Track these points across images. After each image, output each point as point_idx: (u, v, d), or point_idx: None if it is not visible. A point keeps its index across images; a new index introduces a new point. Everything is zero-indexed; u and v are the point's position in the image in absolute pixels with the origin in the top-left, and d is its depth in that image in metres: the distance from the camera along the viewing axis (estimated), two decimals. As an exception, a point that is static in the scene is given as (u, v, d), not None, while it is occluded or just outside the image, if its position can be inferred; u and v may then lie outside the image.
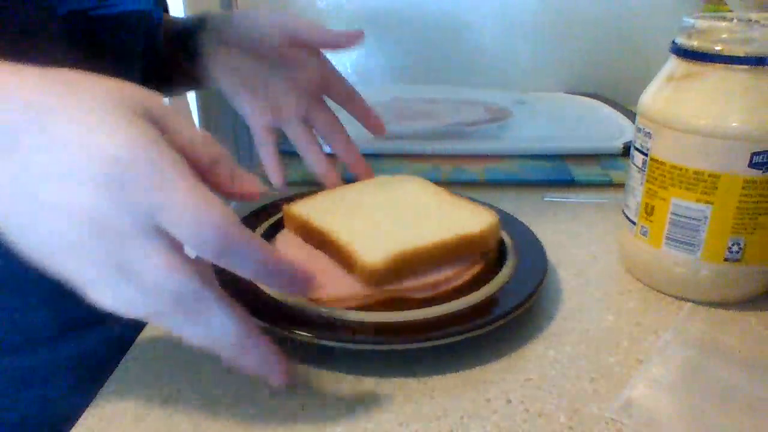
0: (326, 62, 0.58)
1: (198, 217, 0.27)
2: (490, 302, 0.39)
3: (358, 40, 0.55)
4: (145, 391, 0.35)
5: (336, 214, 0.45)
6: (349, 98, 0.59)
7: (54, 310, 0.47)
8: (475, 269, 0.42)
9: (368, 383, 0.36)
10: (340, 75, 0.59)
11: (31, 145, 0.26)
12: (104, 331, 0.49)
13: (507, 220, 0.48)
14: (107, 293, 0.27)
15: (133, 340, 0.40)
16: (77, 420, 0.33)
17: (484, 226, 0.42)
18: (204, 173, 0.31)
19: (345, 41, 0.55)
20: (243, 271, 0.29)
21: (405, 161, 0.68)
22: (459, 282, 0.41)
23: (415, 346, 0.36)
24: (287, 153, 0.71)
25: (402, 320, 0.38)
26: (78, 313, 0.48)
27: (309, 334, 0.36)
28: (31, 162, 0.26)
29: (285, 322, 0.37)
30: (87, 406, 0.34)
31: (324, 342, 0.36)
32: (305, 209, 0.45)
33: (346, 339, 0.36)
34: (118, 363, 0.38)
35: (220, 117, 0.99)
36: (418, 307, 0.38)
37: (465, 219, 0.44)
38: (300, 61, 0.57)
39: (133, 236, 0.27)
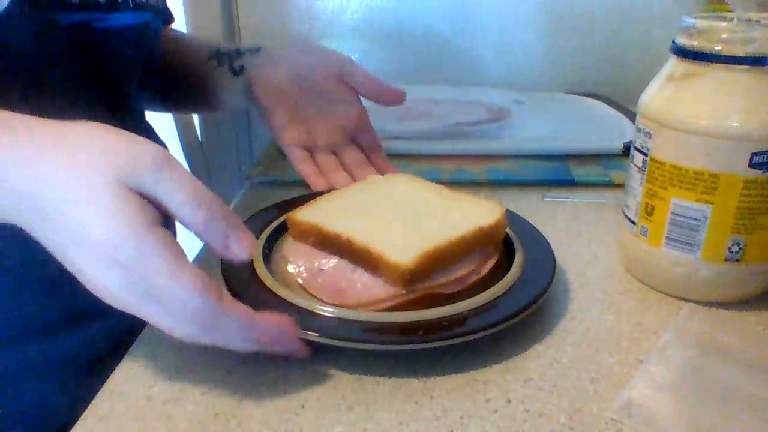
0: (364, 110, 0.61)
1: (182, 302, 0.30)
2: (501, 301, 0.39)
3: (401, 100, 0.59)
4: (145, 391, 0.35)
5: (347, 218, 0.44)
6: (374, 148, 0.62)
7: (46, 306, 0.47)
8: (493, 261, 0.44)
9: (368, 383, 0.36)
10: (371, 125, 0.62)
11: (53, 222, 0.31)
12: (96, 328, 0.49)
13: (511, 218, 0.49)
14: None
15: (128, 335, 0.40)
16: (72, 415, 0.33)
17: (497, 217, 0.44)
18: (197, 235, 0.33)
19: (391, 98, 0.59)
20: (233, 335, 0.33)
21: (405, 161, 0.68)
22: (482, 274, 0.43)
23: (423, 346, 0.37)
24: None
25: (409, 320, 0.38)
26: (69, 309, 0.48)
27: (315, 334, 0.36)
28: (59, 235, 0.31)
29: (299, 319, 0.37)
30: (81, 401, 0.34)
31: (330, 342, 0.36)
32: (313, 216, 0.44)
33: (354, 339, 0.36)
34: (114, 359, 0.38)
35: (220, 119, 0.99)
36: (445, 303, 0.39)
37: (476, 212, 0.44)
38: (342, 101, 0.59)
39: (136, 308, 0.31)
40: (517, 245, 0.45)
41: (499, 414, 0.33)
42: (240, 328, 0.33)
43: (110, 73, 0.53)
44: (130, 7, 0.52)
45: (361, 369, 0.37)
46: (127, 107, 0.57)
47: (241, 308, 0.33)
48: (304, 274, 0.42)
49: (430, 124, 0.77)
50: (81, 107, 0.48)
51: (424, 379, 0.36)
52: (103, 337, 0.50)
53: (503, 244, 0.46)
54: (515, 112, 0.80)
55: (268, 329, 0.34)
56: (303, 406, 0.34)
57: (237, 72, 0.61)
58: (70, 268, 0.32)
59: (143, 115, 0.62)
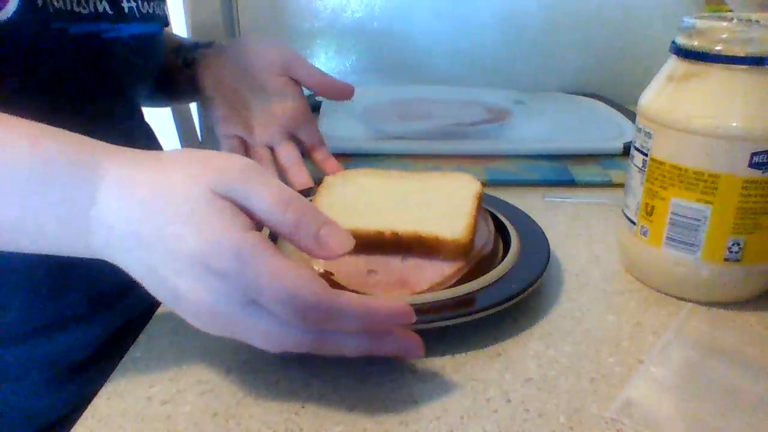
0: (304, 105, 0.61)
1: (288, 300, 0.30)
2: (498, 286, 0.41)
3: (348, 96, 0.59)
4: (145, 391, 0.35)
5: (367, 214, 0.44)
6: (316, 145, 0.62)
7: (27, 309, 0.47)
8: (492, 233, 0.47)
9: (368, 383, 0.36)
10: (313, 120, 0.62)
11: (149, 244, 0.31)
12: (77, 331, 0.49)
13: (511, 211, 0.51)
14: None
15: (112, 339, 0.40)
16: (55, 417, 0.33)
17: (478, 185, 0.48)
18: (290, 237, 0.33)
19: (337, 92, 0.59)
20: (345, 328, 0.32)
21: (405, 161, 0.68)
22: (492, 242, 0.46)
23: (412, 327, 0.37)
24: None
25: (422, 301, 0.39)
26: (53, 314, 0.48)
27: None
28: (155, 257, 0.31)
29: None
30: (62, 403, 0.34)
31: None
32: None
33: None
34: (94, 365, 0.38)
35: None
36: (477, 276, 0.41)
37: (458, 184, 0.48)
38: (283, 93, 0.59)
39: (240, 317, 0.31)
40: (512, 233, 0.47)
41: (499, 414, 0.33)
42: (356, 318, 0.31)
43: (117, 82, 0.53)
44: (137, 17, 0.53)
45: (362, 369, 0.37)
46: (130, 111, 0.58)
47: (353, 298, 0.31)
48: (355, 281, 0.41)
49: (430, 124, 0.77)
50: (87, 113, 0.48)
51: (424, 379, 0.36)
52: (85, 343, 0.50)
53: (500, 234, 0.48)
54: (515, 112, 0.80)
55: (385, 317, 0.32)
56: (303, 406, 0.34)
57: (188, 64, 0.63)
58: (161, 293, 0.32)
59: (143, 117, 0.62)
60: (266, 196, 0.32)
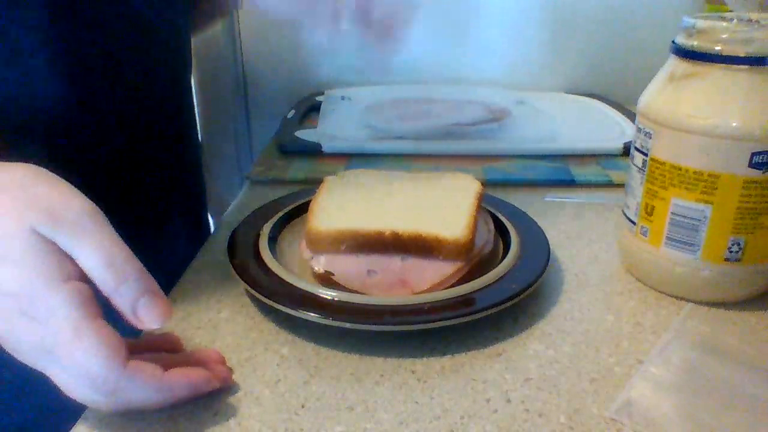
0: None
1: (79, 364, 0.29)
2: (498, 285, 0.41)
3: None
4: (145, 391, 0.35)
5: (367, 215, 0.44)
6: None
7: None
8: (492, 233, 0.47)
9: (368, 383, 0.36)
10: None
11: None
12: None
13: (510, 211, 0.51)
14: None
15: None
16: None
17: (478, 184, 0.48)
18: (110, 297, 0.31)
19: None
20: (139, 400, 0.31)
21: (405, 161, 0.68)
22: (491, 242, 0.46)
23: (405, 328, 0.38)
24: (288, 152, 0.71)
25: (403, 303, 0.39)
26: None
27: (317, 315, 0.38)
28: None
29: (294, 303, 0.38)
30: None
31: (333, 323, 0.37)
32: (335, 222, 0.43)
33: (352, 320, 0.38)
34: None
35: (220, 119, 0.99)
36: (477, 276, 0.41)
37: (458, 184, 0.49)
38: None
39: (37, 362, 0.30)
40: (512, 233, 0.47)
41: (499, 414, 0.33)
42: (148, 390, 0.31)
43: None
44: None
45: (362, 369, 0.37)
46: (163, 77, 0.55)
47: (149, 370, 0.31)
48: (355, 281, 0.41)
49: (430, 124, 0.77)
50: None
51: (424, 379, 0.36)
52: None
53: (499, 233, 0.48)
54: (515, 112, 0.80)
55: (182, 385, 0.32)
56: (303, 406, 0.34)
57: None
58: None
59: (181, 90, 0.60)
60: (91, 251, 0.30)
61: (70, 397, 0.31)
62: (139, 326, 0.32)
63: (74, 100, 0.46)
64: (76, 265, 0.30)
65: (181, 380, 0.33)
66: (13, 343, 0.30)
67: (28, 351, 0.30)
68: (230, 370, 0.36)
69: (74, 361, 0.29)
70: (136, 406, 0.32)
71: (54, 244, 0.30)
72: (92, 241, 0.30)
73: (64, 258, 0.30)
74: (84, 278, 0.31)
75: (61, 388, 0.31)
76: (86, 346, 0.29)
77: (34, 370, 0.31)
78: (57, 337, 0.29)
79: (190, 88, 0.63)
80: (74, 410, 0.34)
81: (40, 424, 0.49)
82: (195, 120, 0.66)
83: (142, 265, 0.32)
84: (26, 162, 0.33)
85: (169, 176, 0.58)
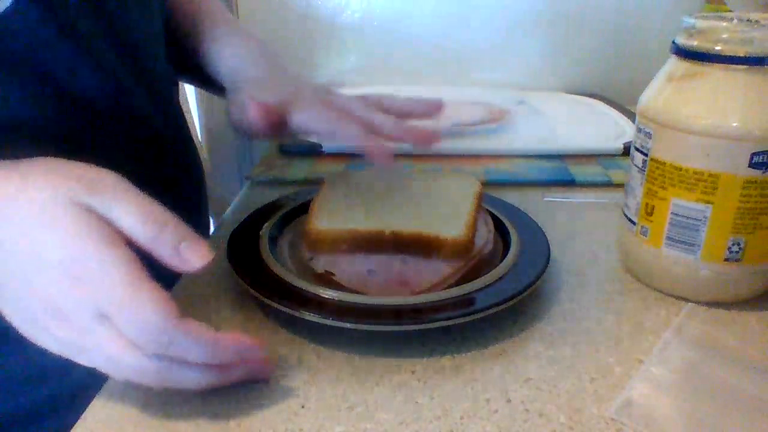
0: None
1: (136, 317, 0.30)
2: (497, 286, 0.41)
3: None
4: (145, 391, 0.35)
5: (367, 215, 0.44)
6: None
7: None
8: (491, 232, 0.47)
9: (368, 383, 0.36)
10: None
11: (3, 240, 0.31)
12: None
13: (510, 211, 0.51)
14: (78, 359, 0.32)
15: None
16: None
17: (479, 184, 0.49)
18: (151, 250, 0.32)
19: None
20: (191, 358, 0.31)
21: (405, 161, 0.68)
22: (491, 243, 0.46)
23: (405, 328, 0.38)
24: (288, 153, 0.71)
25: (403, 303, 0.39)
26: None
27: (317, 315, 0.37)
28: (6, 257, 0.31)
29: (294, 303, 0.38)
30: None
31: (331, 322, 0.37)
32: (335, 222, 0.44)
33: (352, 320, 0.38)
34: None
35: (220, 119, 0.99)
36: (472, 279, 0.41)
37: (458, 184, 0.49)
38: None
39: (86, 328, 0.31)
40: (512, 233, 0.47)
41: (499, 414, 0.33)
42: (201, 348, 0.31)
43: (129, 40, 0.50)
44: None
45: (362, 369, 0.37)
46: (156, 84, 0.54)
47: (203, 328, 0.31)
48: (355, 281, 0.41)
49: (430, 124, 0.76)
50: (112, 83, 0.46)
51: (424, 379, 0.36)
52: None
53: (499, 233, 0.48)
54: (515, 112, 0.80)
55: (231, 348, 0.33)
56: (303, 406, 0.34)
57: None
58: (8, 307, 0.32)
59: (172, 98, 0.59)
60: (128, 210, 0.31)
61: (115, 373, 0.31)
62: (184, 268, 0.32)
63: (69, 102, 0.46)
64: (119, 234, 0.31)
65: (233, 342, 0.33)
66: (58, 321, 0.31)
67: (77, 321, 0.30)
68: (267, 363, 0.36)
69: (131, 314, 0.30)
70: (184, 378, 0.32)
71: (93, 210, 0.31)
72: (128, 201, 0.32)
73: (106, 224, 0.31)
74: (127, 243, 0.31)
75: (103, 366, 0.31)
76: (143, 298, 0.30)
77: (48, 356, 0.31)
78: (112, 293, 0.30)
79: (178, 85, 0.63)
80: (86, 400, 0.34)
81: (52, 410, 0.49)
82: (191, 119, 0.66)
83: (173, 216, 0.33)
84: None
85: (169, 176, 0.58)
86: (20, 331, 0.32)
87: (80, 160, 0.45)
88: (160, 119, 0.55)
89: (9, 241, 0.31)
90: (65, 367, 0.33)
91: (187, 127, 0.64)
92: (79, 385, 0.33)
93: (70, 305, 0.30)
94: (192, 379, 0.32)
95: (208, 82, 0.59)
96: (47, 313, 0.31)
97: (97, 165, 0.48)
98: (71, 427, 0.33)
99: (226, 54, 0.57)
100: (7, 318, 0.33)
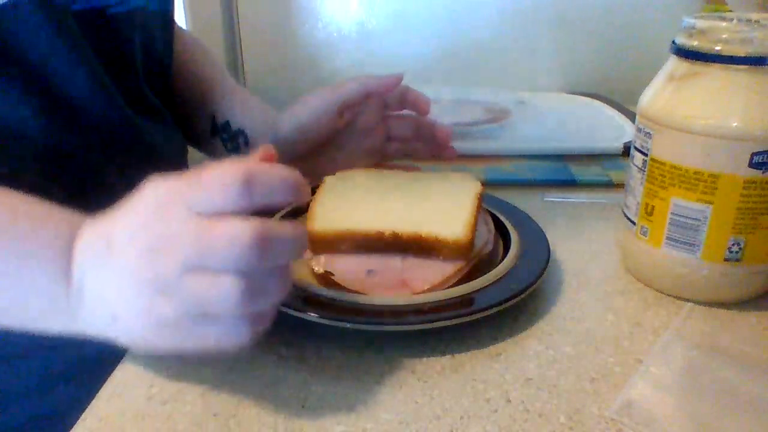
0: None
1: (221, 242, 0.30)
2: (497, 285, 0.41)
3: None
4: (145, 391, 0.35)
5: (366, 215, 0.44)
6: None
7: None
8: (492, 233, 0.47)
9: (368, 383, 0.36)
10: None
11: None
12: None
13: (510, 211, 0.51)
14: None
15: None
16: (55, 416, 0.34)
17: (479, 184, 0.48)
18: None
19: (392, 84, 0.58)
20: (289, 254, 0.32)
21: (404, 161, 0.68)
22: (491, 242, 0.46)
23: (405, 328, 0.38)
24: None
25: (403, 303, 0.39)
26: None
27: (317, 315, 0.37)
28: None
29: (294, 303, 0.38)
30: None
31: (332, 323, 0.37)
32: (335, 223, 0.43)
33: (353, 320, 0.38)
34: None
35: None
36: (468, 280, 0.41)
37: (458, 184, 0.48)
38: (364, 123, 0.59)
39: (179, 286, 0.31)
40: (512, 233, 0.47)
41: (499, 414, 0.33)
42: (293, 238, 0.31)
43: (123, 64, 0.51)
44: None
45: (362, 369, 0.37)
46: (146, 105, 0.55)
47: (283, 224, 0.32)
48: (355, 281, 0.41)
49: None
50: (98, 104, 0.47)
51: (424, 378, 0.36)
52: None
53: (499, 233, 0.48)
54: (515, 112, 0.80)
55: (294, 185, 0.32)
56: (303, 406, 0.34)
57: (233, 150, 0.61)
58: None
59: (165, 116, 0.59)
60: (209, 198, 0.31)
61: (218, 309, 0.31)
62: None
63: (64, 106, 0.46)
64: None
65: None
66: (161, 296, 0.31)
67: (174, 284, 0.31)
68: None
69: (215, 241, 0.29)
70: (270, 294, 0.32)
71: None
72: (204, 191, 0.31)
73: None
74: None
75: (206, 306, 0.31)
76: (219, 226, 0.30)
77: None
78: (191, 240, 0.30)
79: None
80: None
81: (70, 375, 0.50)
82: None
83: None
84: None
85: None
86: (146, 342, 0.33)
87: (73, 165, 0.46)
88: (159, 136, 0.55)
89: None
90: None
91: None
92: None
93: (162, 270, 0.31)
94: (277, 285, 0.32)
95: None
96: (152, 289, 0.31)
97: (91, 170, 0.49)
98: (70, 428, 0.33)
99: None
100: (125, 341, 0.34)
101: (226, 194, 0.30)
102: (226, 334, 0.32)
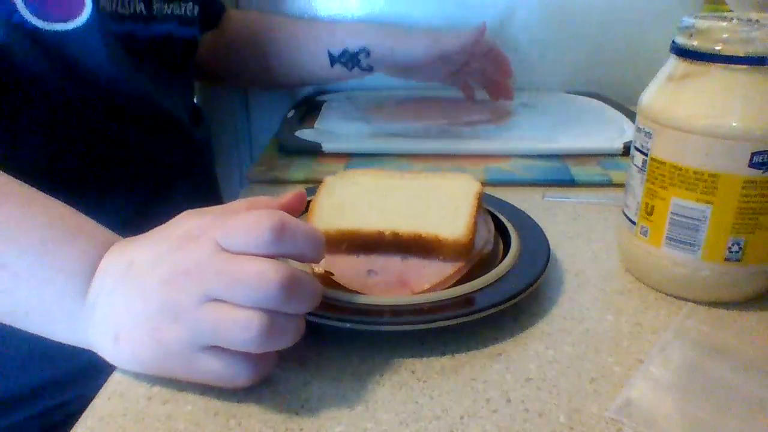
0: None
1: (248, 275, 0.31)
2: (497, 285, 0.41)
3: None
4: (145, 391, 0.35)
5: (366, 215, 0.44)
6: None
7: None
8: (491, 232, 0.47)
9: (368, 383, 0.36)
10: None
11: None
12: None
13: (510, 211, 0.51)
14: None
15: None
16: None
17: (478, 184, 0.48)
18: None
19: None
20: (304, 250, 0.34)
21: (405, 161, 0.68)
22: (492, 241, 0.46)
23: (405, 328, 0.38)
24: (288, 152, 0.71)
25: (403, 303, 0.39)
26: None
27: (317, 315, 0.37)
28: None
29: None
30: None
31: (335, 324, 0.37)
32: (334, 223, 0.43)
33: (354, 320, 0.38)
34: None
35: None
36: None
37: (458, 184, 0.48)
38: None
39: (197, 313, 0.32)
40: (512, 233, 0.47)
41: (499, 414, 0.33)
42: (306, 235, 0.33)
43: (163, 81, 0.56)
44: (168, 17, 0.55)
45: (362, 369, 0.37)
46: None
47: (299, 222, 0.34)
48: (355, 281, 0.41)
49: (430, 123, 0.77)
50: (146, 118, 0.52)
51: (424, 379, 0.36)
52: None
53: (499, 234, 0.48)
54: (515, 112, 0.80)
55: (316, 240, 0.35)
56: (303, 406, 0.34)
57: (366, 69, 0.73)
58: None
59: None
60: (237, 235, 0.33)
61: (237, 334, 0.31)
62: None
63: (78, 104, 0.47)
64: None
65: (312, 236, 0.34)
66: (171, 323, 0.32)
67: (189, 311, 0.32)
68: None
69: (241, 274, 0.31)
70: (289, 329, 0.33)
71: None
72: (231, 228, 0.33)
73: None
74: None
75: (225, 375, 0.33)
76: (245, 261, 0.31)
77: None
78: (215, 270, 0.32)
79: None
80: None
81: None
82: (206, 121, 0.69)
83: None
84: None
85: (180, 159, 0.59)
86: (143, 367, 0.35)
87: (92, 143, 0.48)
88: (169, 101, 0.57)
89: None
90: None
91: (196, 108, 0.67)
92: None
93: (180, 296, 0.32)
94: (293, 330, 0.33)
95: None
96: (162, 314, 0.32)
97: (111, 147, 0.52)
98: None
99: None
100: (123, 362, 0.35)
101: (257, 239, 0.31)
102: (229, 371, 0.33)
